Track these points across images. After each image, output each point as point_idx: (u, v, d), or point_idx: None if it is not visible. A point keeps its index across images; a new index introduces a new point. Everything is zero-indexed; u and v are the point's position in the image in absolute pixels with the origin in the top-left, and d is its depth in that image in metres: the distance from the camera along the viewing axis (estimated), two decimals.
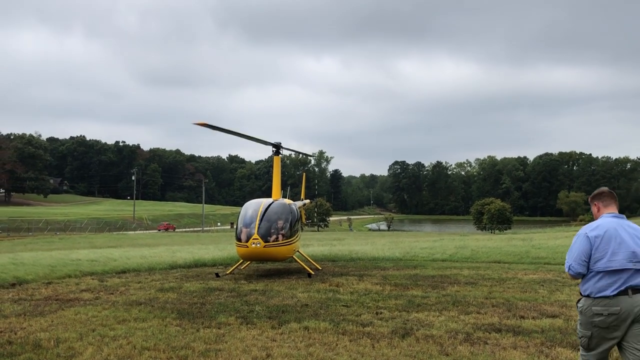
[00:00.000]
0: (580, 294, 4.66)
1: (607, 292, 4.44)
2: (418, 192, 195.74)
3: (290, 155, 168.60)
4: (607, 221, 4.63)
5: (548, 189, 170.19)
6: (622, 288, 4.42)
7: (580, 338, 4.68)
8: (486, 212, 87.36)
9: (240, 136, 14.16)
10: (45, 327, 7.71)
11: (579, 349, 5.19)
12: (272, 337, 7.07)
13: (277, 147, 15.50)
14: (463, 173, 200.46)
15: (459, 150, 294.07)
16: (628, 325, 4.41)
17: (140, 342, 6.75)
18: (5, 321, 8.11)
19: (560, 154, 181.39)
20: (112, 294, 10.82)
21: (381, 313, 8.60)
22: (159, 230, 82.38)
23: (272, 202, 14.12)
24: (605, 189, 4.90)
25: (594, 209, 4.87)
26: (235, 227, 14.33)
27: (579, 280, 4.69)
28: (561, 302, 9.51)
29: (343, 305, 9.25)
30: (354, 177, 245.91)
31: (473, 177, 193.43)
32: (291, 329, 7.48)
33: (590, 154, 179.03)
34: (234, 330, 7.43)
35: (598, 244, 4.52)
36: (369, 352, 6.33)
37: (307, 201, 21.47)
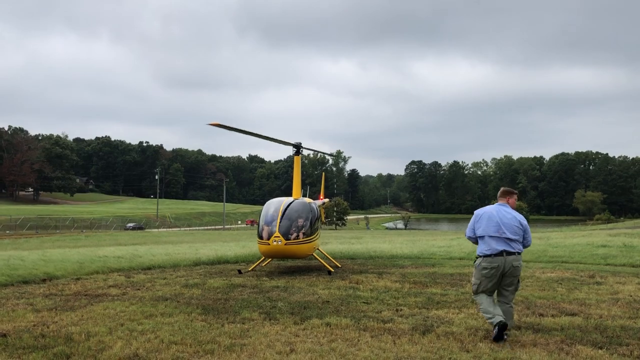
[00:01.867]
0: (477, 256, 7.03)
1: (489, 253, 6.85)
2: (435, 192, 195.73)
3: (308, 155, 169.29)
4: (491, 207, 7.18)
5: (564, 188, 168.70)
6: (499, 250, 6.80)
7: (472, 285, 7.10)
8: None
9: (260, 137, 14.30)
10: (76, 321, 7.96)
11: (600, 347, 6.50)
12: (295, 332, 7.21)
13: (298, 147, 15.67)
14: (479, 172, 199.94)
15: (476, 149, 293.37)
16: (501, 276, 6.88)
17: (168, 336, 6.95)
18: (37, 315, 8.41)
19: (577, 153, 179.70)
20: (139, 289, 11.09)
21: (401, 310, 8.69)
22: (247, 224, 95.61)
23: (293, 200, 14.29)
24: (502, 188, 7.40)
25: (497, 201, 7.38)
26: (257, 224, 14.53)
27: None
28: (580, 301, 9.47)
29: (363, 302, 9.37)
30: (371, 177, 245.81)
31: (489, 177, 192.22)
32: (313, 324, 7.61)
33: (607, 154, 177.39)
34: (258, 326, 7.59)
35: (479, 219, 7.08)
36: (390, 348, 6.42)
37: (327, 200, 21.62)
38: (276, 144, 15.65)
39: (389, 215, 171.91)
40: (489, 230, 6.89)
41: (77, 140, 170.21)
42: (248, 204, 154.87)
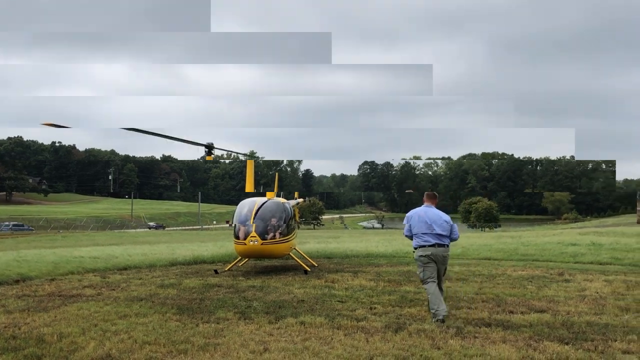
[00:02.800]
0: (414, 248, 8.36)
1: (424, 244, 8.16)
2: (387, 192, 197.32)
3: (263, 156, 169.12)
4: (419, 209, 8.49)
5: (512, 188, 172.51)
6: (431, 243, 8.12)
7: (419, 274, 8.27)
8: (474, 211, 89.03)
9: (167, 137, 12.90)
10: (49, 322, 7.89)
11: (566, 343, 6.64)
12: (269, 331, 7.27)
13: (210, 147, 15.09)
14: (430, 173, 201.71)
15: (428, 149, 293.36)
16: (436, 263, 8.15)
17: (141, 336, 6.94)
18: (9, 317, 8.30)
19: (524, 157, 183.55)
20: (114, 290, 11.01)
21: (375, 308, 8.82)
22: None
23: (267, 200, 14.31)
24: (428, 193, 8.73)
25: (423, 203, 8.61)
26: (232, 224, 14.37)
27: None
28: (549, 298, 9.74)
29: (338, 301, 9.47)
30: (325, 177, 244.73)
31: (440, 177, 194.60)
32: (288, 323, 7.68)
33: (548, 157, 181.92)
34: (232, 325, 7.63)
35: (411, 220, 8.42)
36: (363, 345, 6.52)
37: (301, 200, 21.70)
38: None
39: (363, 214, 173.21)
40: (422, 228, 8.21)
41: None
42: (210, 203, 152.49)
